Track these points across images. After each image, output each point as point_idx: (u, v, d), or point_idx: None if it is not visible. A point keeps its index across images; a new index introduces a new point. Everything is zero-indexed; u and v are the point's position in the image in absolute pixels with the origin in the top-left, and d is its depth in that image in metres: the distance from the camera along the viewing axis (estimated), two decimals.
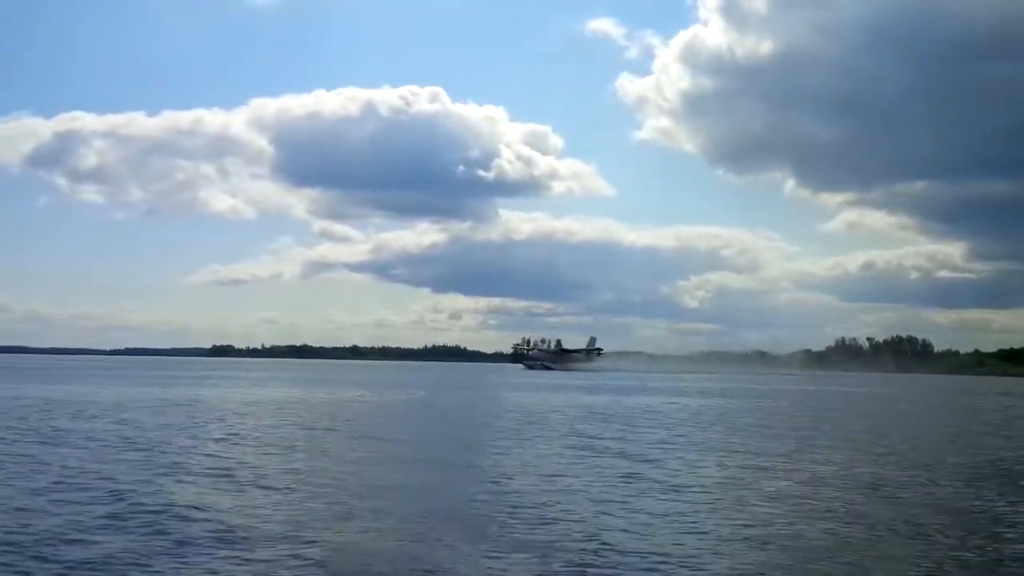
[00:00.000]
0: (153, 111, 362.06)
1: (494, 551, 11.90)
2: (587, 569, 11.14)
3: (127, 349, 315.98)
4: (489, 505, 15.28)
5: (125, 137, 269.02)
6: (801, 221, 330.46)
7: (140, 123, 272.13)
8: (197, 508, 14.24)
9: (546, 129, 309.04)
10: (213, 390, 58.32)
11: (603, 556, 11.77)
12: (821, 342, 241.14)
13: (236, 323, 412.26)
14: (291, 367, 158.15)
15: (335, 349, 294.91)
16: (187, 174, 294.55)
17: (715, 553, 12.18)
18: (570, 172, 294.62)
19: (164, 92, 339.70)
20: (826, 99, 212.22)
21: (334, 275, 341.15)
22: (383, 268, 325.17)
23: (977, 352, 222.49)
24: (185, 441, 24.62)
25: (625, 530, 13.41)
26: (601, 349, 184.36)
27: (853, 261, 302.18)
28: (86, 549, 11.57)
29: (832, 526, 14.12)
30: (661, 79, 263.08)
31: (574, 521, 13.99)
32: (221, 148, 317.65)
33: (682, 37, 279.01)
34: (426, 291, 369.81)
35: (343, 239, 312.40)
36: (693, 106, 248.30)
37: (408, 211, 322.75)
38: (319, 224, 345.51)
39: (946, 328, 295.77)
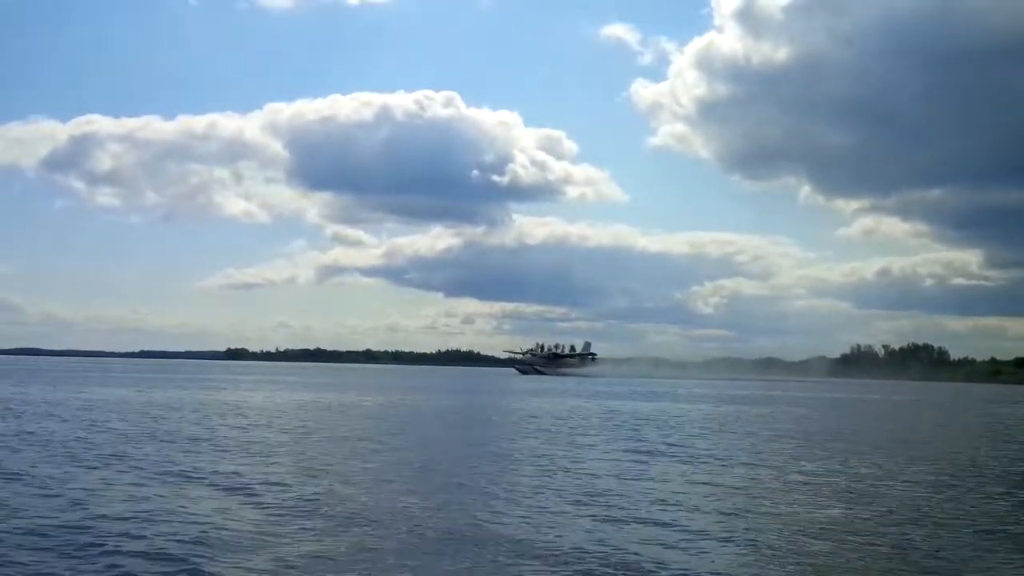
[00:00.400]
0: (168, 115, 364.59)
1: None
2: None
3: (142, 352, 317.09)
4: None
5: (141, 141, 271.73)
6: (816, 228, 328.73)
7: (156, 127, 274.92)
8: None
9: (560, 134, 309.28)
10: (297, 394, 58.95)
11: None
12: (836, 349, 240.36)
13: (250, 327, 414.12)
14: (321, 372, 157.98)
15: (349, 353, 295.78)
16: (202, 178, 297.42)
17: None
18: (584, 178, 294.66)
19: (179, 96, 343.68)
20: (842, 105, 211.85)
21: (347, 279, 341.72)
22: (396, 273, 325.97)
23: (993, 360, 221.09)
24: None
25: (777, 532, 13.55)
26: (595, 354, 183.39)
27: (868, 268, 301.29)
28: None
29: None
30: (676, 85, 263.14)
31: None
32: (236, 152, 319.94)
33: (697, 43, 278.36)
34: (439, 296, 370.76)
35: (357, 243, 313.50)
36: (708, 112, 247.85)
37: (422, 216, 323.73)
38: (333, 228, 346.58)
39: (962, 336, 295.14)
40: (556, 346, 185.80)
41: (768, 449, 27.82)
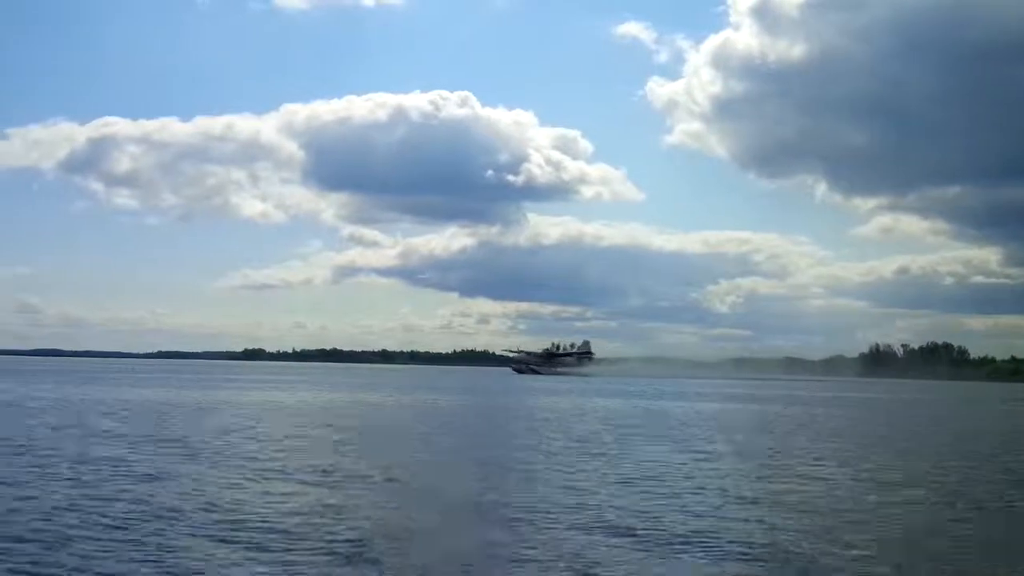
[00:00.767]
0: (186, 117, 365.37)
1: None
2: None
3: (160, 352, 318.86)
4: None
5: (158, 142, 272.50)
6: (833, 226, 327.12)
7: (173, 128, 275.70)
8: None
9: (576, 133, 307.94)
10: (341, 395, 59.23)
11: None
12: (854, 348, 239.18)
13: (267, 327, 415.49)
14: (343, 372, 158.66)
15: (364, 353, 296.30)
16: (219, 179, 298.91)
17: None
18: (599, 177, 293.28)
19: (197, 98, 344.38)
20: (859, 103, 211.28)
21: (363, 279, 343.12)
22: (411, 273, 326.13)
23: (1014, 358, 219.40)
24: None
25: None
26: (592, 354, 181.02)
27: (886, 266, 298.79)
28: None
29: None
30: (692, 83, 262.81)
31: None
32: (252, 153, 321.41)
33: (713, 41, 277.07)
34: (454, 296, 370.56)
35: (372, 244, 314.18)
36: (724, 110, 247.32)
37: (437, 215, 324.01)
38: (348, 229, 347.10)
39: (982, 334, 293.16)
40: (555, 345, 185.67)
41: (857, 454, 27.33)
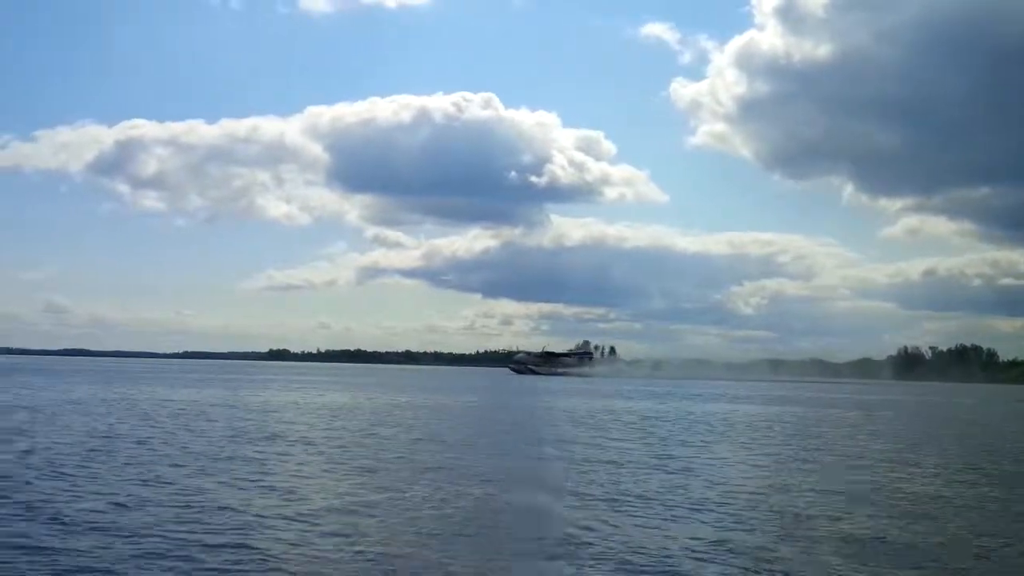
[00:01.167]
0: (212, 119, 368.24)
1: None
2: None
3: (186, 352, 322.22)
4: None
5: (184, 145, 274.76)
6: (860, 227, 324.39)
7: (199, 131, 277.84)
8: None
9: (599, 135, 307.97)
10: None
11: None
12: (881, 351, 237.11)
13: (291, 328, 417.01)
14: (372, 373, 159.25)
15: (389, 354, 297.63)
16: (244, 181, 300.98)
17: None
18: (623, 178, 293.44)
19: (222, 100, 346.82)
20: (885, 103, 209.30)
21: (387, 281, 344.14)
22: (435, 274, 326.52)
23: None
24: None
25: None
26: (592, 354, 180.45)
27: (914, 268, 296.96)
28: None
29: None
30: (716, 84, 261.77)
31: None
32: (277, 155, 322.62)
33: (737, 41, 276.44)
34: (477, 297, 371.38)
35: (396, 245, 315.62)
36: (748, 111, 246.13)
37: (460, 217, 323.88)
38: (372, 230, 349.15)
39: (1011, 337, 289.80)
40: (577, 346, 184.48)
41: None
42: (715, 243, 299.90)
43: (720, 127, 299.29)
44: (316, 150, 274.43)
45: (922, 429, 42.90)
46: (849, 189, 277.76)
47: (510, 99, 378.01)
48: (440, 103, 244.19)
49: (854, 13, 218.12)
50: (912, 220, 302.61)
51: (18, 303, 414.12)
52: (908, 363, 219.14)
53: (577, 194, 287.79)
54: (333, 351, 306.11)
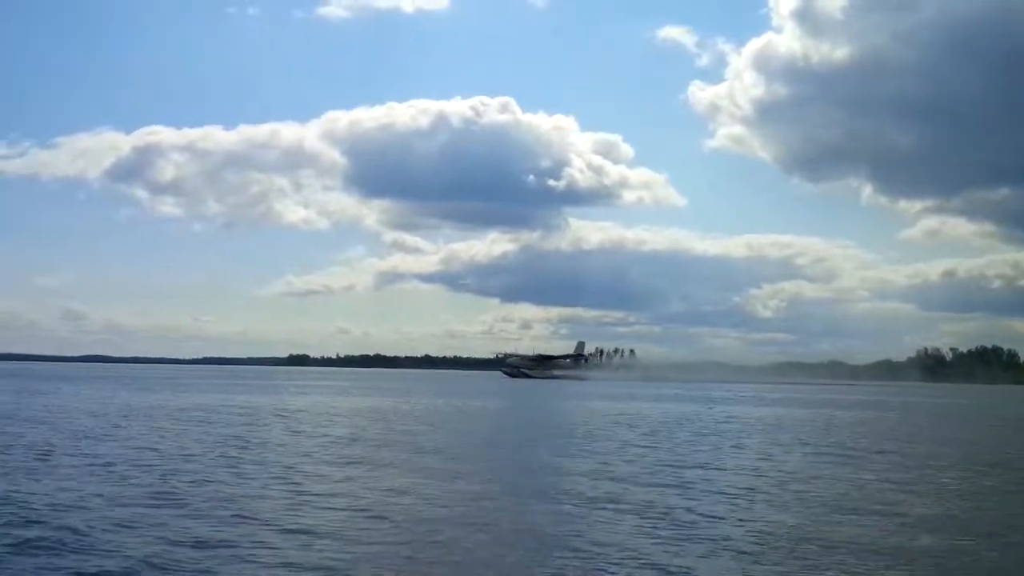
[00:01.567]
0: (229, 125, 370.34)
1: None
2: None
3: (205, 358, 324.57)
4: None
5: (202, 151, 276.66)
6: (879, 229, 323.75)
7: (217, 137, 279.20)
8: None
9: (617, 138, 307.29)
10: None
11: None
12: (901, 352, 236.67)
13: (310, 333, 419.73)
14: (397, 378, 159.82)
15: (408, 359, 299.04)
16: (262, 186, 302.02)
17: None
18: (641, 181, 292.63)
19: (240, 106, 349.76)
20: (904, 104, 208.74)
21: (405, 285, 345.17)
22: (453, 278, 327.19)
23: None
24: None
25: None
26: (588, 356, 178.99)
27: (933, 269, 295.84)
28: None
29: None
30: (734, 86, 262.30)
31: None
32: (295, 161, 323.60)
33: (755, 44, 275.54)
34: (495, 301, 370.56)
35: (414, 250, 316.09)
36: (767, 113, 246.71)
37: (478, 221, 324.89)
38: (390, 235, 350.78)
39: None
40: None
41: None
42: (734, 246, 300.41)
43: (738, 130, 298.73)
44: (334, 155, 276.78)
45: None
46: (868, 191, 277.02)
47: (528, 103, 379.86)
48: (458, 108, 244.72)
49: (872, 14, 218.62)
50: (932, 221, 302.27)
51: (36, 310, 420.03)
52: (929, 365, 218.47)
53: (595, 198, 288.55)
54: (352, 356, 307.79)
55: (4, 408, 42.19)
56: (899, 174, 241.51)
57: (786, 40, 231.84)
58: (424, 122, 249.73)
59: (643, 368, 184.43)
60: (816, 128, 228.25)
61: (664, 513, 15.67)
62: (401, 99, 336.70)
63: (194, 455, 23.14)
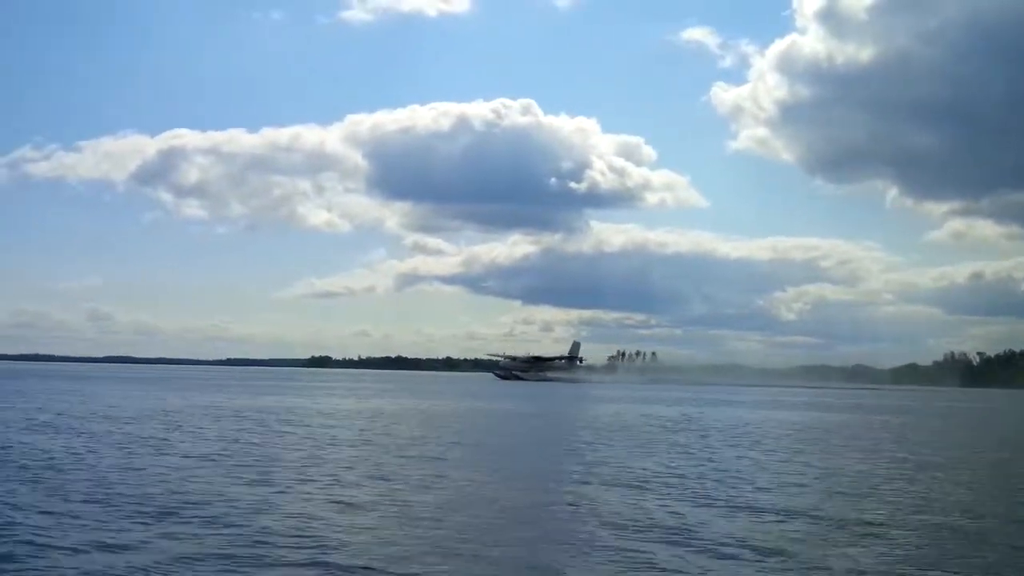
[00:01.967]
0: (253, 128, 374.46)
1: None
2: None
3: (228, 360, 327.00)
4: None
5: (226, 154, 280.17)
6: (904, 231, 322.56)
7: (240, 140, 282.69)
8: None
9: (639, 140, 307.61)
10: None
11: None
12: (927, 356, 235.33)
13: (331, 335, 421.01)
14: (422, 380, 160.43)
15: (429, 360, 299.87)
16: (285, 189, 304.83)
17: None
18: (663, 183, 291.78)
19: (263, 109, 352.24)
20: (930, 106, 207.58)
21: (426, 287, 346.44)
22: (474, 280, 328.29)
23: None
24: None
25: None
26: (582, 358, 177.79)
27: (960, 272, 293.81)
28: None
29: None
30: (757, 88, 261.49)
31: None
32: (317, 163, 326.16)
33: (778, 45, 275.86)
34: (517, 303, 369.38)
35: (435, 252, 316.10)
36: (790, 115, 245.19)
37: (500, 223, 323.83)
38: (412, 237, 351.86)
39: None
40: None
41: None
42: (757, 248, 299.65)
43: (761, 131, 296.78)
44: (356, 158, 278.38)
45: None
46: (893, 193, 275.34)
47: (550, 105, 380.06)
48: (479, 110, 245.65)
49: (897, 16, 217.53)
50: (958, 223, 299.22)
51: (64, 311, 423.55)
52: (955, 369, 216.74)
53: (617, 200, 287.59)
54: (373, 358, 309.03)
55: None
56: (925, 176, 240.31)
57: (810, 41, 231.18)
58: (446, 124, 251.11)
59: (654, 371, 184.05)
60: (840, 130, 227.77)
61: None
62: (423, 102, 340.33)
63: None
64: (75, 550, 12.08)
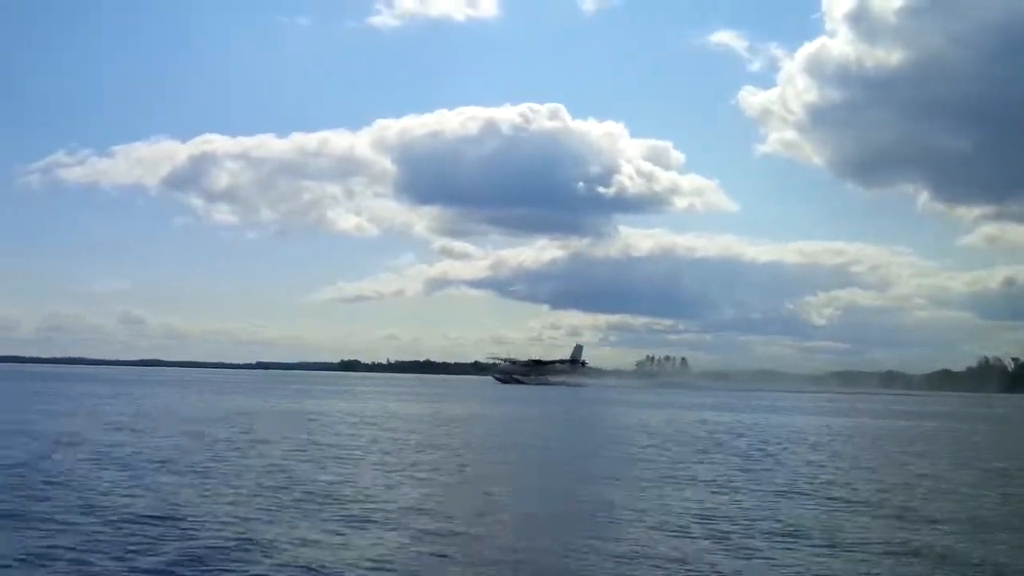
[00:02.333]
0: (282, 133, 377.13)
1: None
2: None
3: (258, 363, 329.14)
4: None
5: (256, 159, 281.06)
6: (936, 236, 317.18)
7: (270, 145, 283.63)
8: None
9: (667, 144, 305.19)
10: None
11: None
12: (959, 362, 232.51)
13: (360, 339, 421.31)
14: (451, 384, 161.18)
15: (457, 365, 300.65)
16: (314, 194, 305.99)
17: None
18: (692, 187, 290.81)
19: (293, 115, 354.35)
20: (961, 109, 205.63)
21: (454, 292, 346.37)
22: (502, 285, 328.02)
23: None
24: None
25: None
26: (585, 362, 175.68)
27: (993, 277, 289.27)
28: None
29: None
30: (786, 91, 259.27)
31: None
32: (346, 168, 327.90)
33: (808, 48, 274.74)
34: (544, 308, 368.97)
35: (463, 256, 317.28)
36: (820, 118, 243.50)
37: (527, 228, 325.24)
38: (440, 241, 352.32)
39: None
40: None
41: None
42: (787, 253, 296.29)
43: (791, 135, 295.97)
44: (385, 163, 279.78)
45: None
46: (924, 197, 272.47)
47: (577, 110, 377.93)
48: (507, 114, 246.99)
49: (927, 18, 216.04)
50: (991, 228, 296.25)
51: (97, 315, 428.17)
52: (989, 375, 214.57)
53: (646, 204, 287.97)
54: (402, 362, 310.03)
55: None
56: (956, 179, 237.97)
57: (839, 44, 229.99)
58: (474, 129, 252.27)
59: (682, 375, 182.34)
60: (870, 133, 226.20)
61: None
62: (451, 106, 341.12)
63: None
64: None
